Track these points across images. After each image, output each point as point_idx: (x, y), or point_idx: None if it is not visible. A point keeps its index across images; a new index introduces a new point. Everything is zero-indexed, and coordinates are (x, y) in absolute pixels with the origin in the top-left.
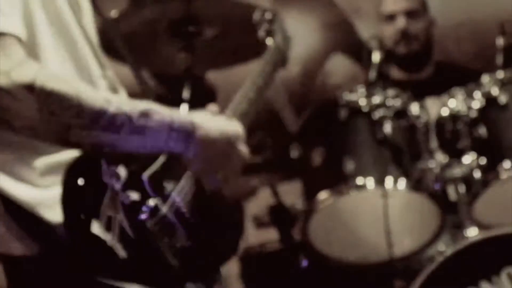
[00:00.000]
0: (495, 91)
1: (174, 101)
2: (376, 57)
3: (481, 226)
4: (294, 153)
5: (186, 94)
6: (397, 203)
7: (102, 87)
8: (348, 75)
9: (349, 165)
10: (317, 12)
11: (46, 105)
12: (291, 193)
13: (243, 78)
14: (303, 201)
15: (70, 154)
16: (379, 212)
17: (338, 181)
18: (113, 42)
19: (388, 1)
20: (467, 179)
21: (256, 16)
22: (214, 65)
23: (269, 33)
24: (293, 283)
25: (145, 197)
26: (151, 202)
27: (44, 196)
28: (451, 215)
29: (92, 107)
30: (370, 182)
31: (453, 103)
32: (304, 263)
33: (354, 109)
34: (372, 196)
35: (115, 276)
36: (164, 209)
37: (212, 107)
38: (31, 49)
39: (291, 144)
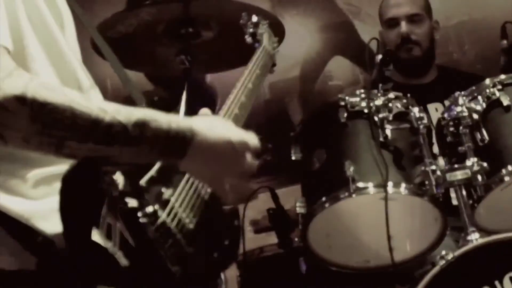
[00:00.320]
0: (497, 94)
1: (172, 104)
2: (377, 59)
3: (484, 231)
4: (294, 156)
5: (184, 96)
6: (398, 207)
7: (93, 98)
8: (348, 77)
9: (349, 168)
10: (317, 14)
11: (38, 116)
12: (291, 196)
13: None
14: (303, 205)
15: (63, 166)
16: (379, 216)
17: (338, 184)
18: (101, 47)
19: (390, 5)
20: (469, 183)
21: (243, 19)
22: (212, 67)
23: (256, 36)
24: (292, 287)
25: (143, 203)
26: (150, 208)
27: (37, 207)
28: (453, 219)
29: (86, 118)
30: (370, 185)
31: (455, 106)
32: (304, 267)
33: (355, 111)
34: (372, 200)
35: (116, 284)
36: (164, 215)
37: (205, 111)
38: (21, 61)
39: (291, 147)
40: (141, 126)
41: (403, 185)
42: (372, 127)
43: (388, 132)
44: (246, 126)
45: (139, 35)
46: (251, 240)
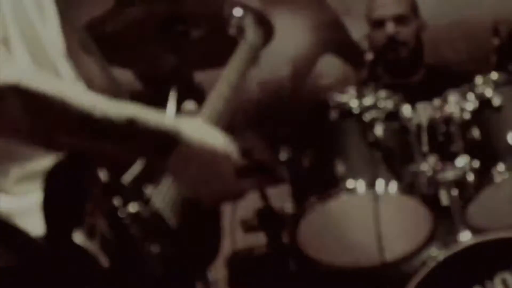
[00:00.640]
0: (488, 92)
1: (161, 102)
2: (367, 58)
3: (474, 231)
4: (283, 155)
5: (173, 94)
6: (388, 207)
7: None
8: (339, 76)
9: (340, 168)
10: (307, 12)
11: (31, 106)
12: (280, 196)
13: None
14: (292, 205)
15: (46, 162)
16: (370, 215)
17: (328, 184)
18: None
19: (376, 5)
20: (460, 183)
21: (226, 12)
22: (201, 66)
23: (240, 30)
24: (282, 287)
25: (126, 202)
26: (133, 207)
27: (19, 204)
28: (443, 219)
29: (77, 110)
30: (360, 185)
31: (446, 105)
32: (293, 267)
33: (345, 110)
34: (363, 200)
35: (97, 285)
36: (146, 214)
37: (189, 104)
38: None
39: (280, 146)
40: (130, 122)
41: (393, 184)
42: (362, 126)
43: (378, 131)
44: (237, 124)
45: (128, 33)
46: (241, 240)
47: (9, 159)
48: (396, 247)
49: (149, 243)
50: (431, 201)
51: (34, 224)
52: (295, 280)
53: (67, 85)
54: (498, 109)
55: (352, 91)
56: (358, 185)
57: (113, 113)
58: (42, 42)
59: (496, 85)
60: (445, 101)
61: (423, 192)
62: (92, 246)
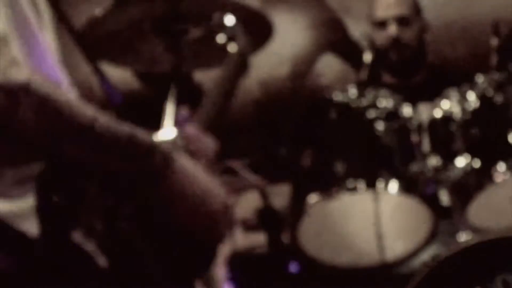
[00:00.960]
0: (489, 92)
1: (159, 101)
2: (367, 57)
3: (475, 230)
4: (284, 154)
5: (172, 93)
6: (388, 207)
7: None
8: (338, 75)
9: (340, 167)
10: (307, 11)
11: (39, 109)
12: (280, 195)
13: None
14: (293, 204)
15: (41, 164)
16: (370, 215)
17: (328, 183)
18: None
19: (379, 6)
20: (460, 182)
21: (214, 19)
22: (200, 65)
23: (231, 37)
24: (282, 287)
25: (121, 201)
26: (129, 206)
27: (15, 206)
28: (444, 219)
29: (81, 120)
30: (361, 184)
31: (447, 105)
32: (294, 267)
33: (345, 109)
34: (363, 199)
35: (95, 284)
36: (143, 214)
37: (184, 110)
38: None
39: (281, 145)
40: (130, 139)
41: (394, 184)
42: (362, 125)
43: (378, 130)
44: (235, 124)
45: (126, 33)
46: (241, 240)
47: (3, 161)
48: (396, 246)
49: (145, 242)
50: (431, 201)
51: (30, 226)
52: (295, 280)
53: (70, 95)
54: (499, 108)
55: (352, 90)
56: (359, 184)
57: (113, 127)
58: (40, 44)
59: (497, 85)
60: (445, 100)
61: (423, 191)
62: (89, 246)
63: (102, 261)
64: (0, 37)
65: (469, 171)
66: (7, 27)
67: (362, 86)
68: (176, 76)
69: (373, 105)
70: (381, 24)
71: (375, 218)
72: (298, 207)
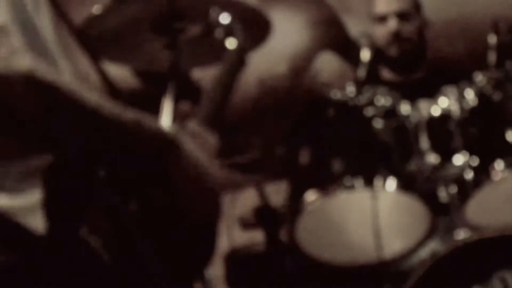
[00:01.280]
0: (487, 90)
1: (158, 99)
2: (365, 55)
3: (473, 228)
4: (281, 152)
5: (170, 91)
6: (386, 204)
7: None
8: (337, 73)
9: (338, 165)
10: (305, 9)
11: (44, 97)
12: (278, 193)
13: None
14: (290, 202)
15: (47, 159)
16: (368, 213)
17: (326, 181)
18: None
19: (380, 2)
20: (458, 180)
21: (212, 15)
22: (198, 63)
23: (228, 34)
24: (280, 285)
25: (125, 198)
26: (133, 204)
27: (21, 201)
28: (442, 216)
29: (85, 107)
30: (359, 182)
31: (445, 103)
32: (291, 264)
33: (343, 107)
34: (361, 197)
35: (99, 282)
36: (146, 213)
37: (184, 105)
38: None
39: (278, 143)
40: (135, 124)
41: (392, 182)
42: (360, 123)
43: (377, 128)
44: (233, 121)
45: (125, 30)
46: (238, 237)
47: (7, 155)
48: (394, 244)
49: (148, 242)
50: (429, 199)
51: (36, 222)
52: (293, 278)
53: (72, 81)
54: (498, 106)
55: (350, 88)
56: (356, 182)
57: (118, 111)
58: (41, 35)
59: (495, 83)
60: (444, 98)
61: (421, 189)
62: (94, 243)
63: (106, 258)
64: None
65: (467, 169)
66: (8, 16)
67: (360, 84)
68: (174, 74)
69: (371, 103)
70: (382, 19)
71: (373, 216)
72: (296, 205)
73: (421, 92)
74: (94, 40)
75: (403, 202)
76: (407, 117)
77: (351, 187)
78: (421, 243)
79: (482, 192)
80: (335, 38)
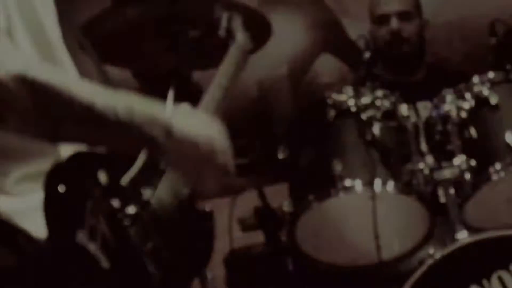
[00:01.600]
0: (485, 91)
1: (159, 101)
2: (365, 57)
3: (471, 229)
4: (281, 154)
5: (171, 94)
6: (385, 206)
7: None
8: (336, 75)
9: (337, 167)
10: (305, 11)
11: (38, 97)
12: (278, 195)
13: None
14: (290, 203)
15: (46, 162)
16: (367, 214)
17: (326, 182)
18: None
19: (380, 2)
20: (457, 181)
21: (216, 13)
22: (199, 65)
23: (230, 31)
24: (280, 286)
25: (125, 203)
26: (131, 209)
27: (20, 205)
28: (440, 217)
29: (81, 100)
30: (358, 184)
31: (443, 104)
32: (291, 266)
33: (342, 109)
34: (360, 198)
35: (98, 286)
36: (144, 216)
37: (185, 106)
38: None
39: (278, 145)
40: (130, 110)
41: (391, 183)
42: (359, 125)
43: (376, 130)
44: (233, 123)
45: (126, 33)
46: (238, 239)
47: (7, 159)
48: (393, 245)
49: (146, 245)
50: (428, 200)
51: (35, 225)
52: (293, 279)
53: (69, 76)
54: (495, 108)
55: (349, 90)
56: (356, 184)
57: (113, 100)
58: (45, 31)
59: (493, 84)
60: (442, 100)
61: (420, 191)
62: (92, 247)
63: (104, 262)
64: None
65: (465, 170)
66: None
67: (359, 86)
68: (175, 76)
69: (371, 105)
70: (382, 19)
71: (372, 217)
72: (296, 207)
73: (420, 94)
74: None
75: (402, 203)
76: (406, 118)
77: (351, 188)
78: (420, 244)
79: (481, 193)
80: (334, 40)
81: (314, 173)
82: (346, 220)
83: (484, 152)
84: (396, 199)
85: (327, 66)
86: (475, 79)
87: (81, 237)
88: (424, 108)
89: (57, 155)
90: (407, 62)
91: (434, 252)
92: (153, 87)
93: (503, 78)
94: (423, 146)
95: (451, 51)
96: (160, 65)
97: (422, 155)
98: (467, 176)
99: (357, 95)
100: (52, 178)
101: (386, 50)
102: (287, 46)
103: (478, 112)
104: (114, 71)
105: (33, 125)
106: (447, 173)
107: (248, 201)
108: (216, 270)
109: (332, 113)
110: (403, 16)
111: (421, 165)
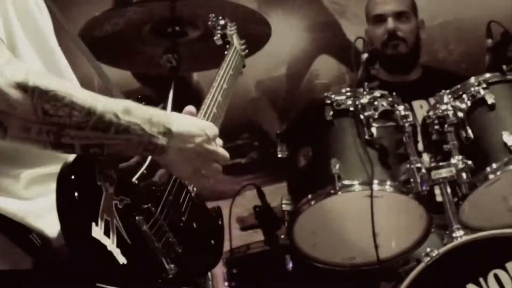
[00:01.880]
0: (482, 92)
1: (159, 102)
2: (362, 58)
3: (468, 228)
4: (280, 153)
5: (171, 94)
6: (383, 205)
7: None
8: (334, 75)
9: (335, 166)
10: (303, 13)
11: (39, 103)
12: (277, 194)
13: None
14: (289, 202)
15: (55, 166)
16: (365, 213)
17: (324, 182)
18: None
19: (377, 2)
20: (454, 181)
21: (211, 21)
22: (198, 66)
23: (226, 37)
24: (279, 284)
25: (137, 200)
26: (144, 205)
27: (31, 207)
28: (437, 216)
29: (83, 105)
30: (356, 183)
31: (440, 105)
32: (290, 264)
33: (341, 109)
34: (358, 198)
35: (114, 282)
36: (157, 213)
37: (190, 108)
38: (11, 52)
39: (277, 144)
40: (128, 113)
41: (388, 182)
42: (357, 125)
43: (373, 130)
44: (233, 123)
45: (126, 34)
46: (238, 238)
47: (16, 164)
48: (391, 244)
49: (160, 241)
50: (425, 199)
51: (49, 224)
52: (291, 277)
53: (70, 82)
54: (491, 108)
55: (347, 90)
56: (354, 183)
57: (112, 104)
58: (47, 40)
59: (489, 85)
60: (439, 100)
61: (417, 190)
62: (109, 242)
63: (120, 258)
64: None
65: (462, 170)
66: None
67: (357, 86)
68: (175, 77)
69: (368, 105)
70: (379, 19)
71: (370, 216)
72: (294, 206)
73: (418, 94)
74: (95, 44)
75: (399, 202)
76: (404, 118)
77: (349, 187)
78: (417, 243)
79: (477, 193)
80: (333, 41)
81: (312, 172)
82: (344, 219)
83: (481, 152)
84: (394, 198)
85: (325, 67)
86: (472, 79)
87: (97, 232)
88: (419, 106)
89: (66, 158)
90: (403, 62)
91: (431, 251)
92: (153, 88)
93: (499, 79)
94: (420, 146)
95: (447, 52)
96: (160, 66)
97: (419, 154)
98: (464, 175)
99: (355, 96)
100: (65, 176)
101: (382, 50)
102: (286, 47)
103: (475, 113)
104: (114, 71)
105: (36, 132)
106: (444, 172)
107: (247, 200)
108: (216, 268)
109: (330, 113)
110: (399, 16)
111: (418, 165)
